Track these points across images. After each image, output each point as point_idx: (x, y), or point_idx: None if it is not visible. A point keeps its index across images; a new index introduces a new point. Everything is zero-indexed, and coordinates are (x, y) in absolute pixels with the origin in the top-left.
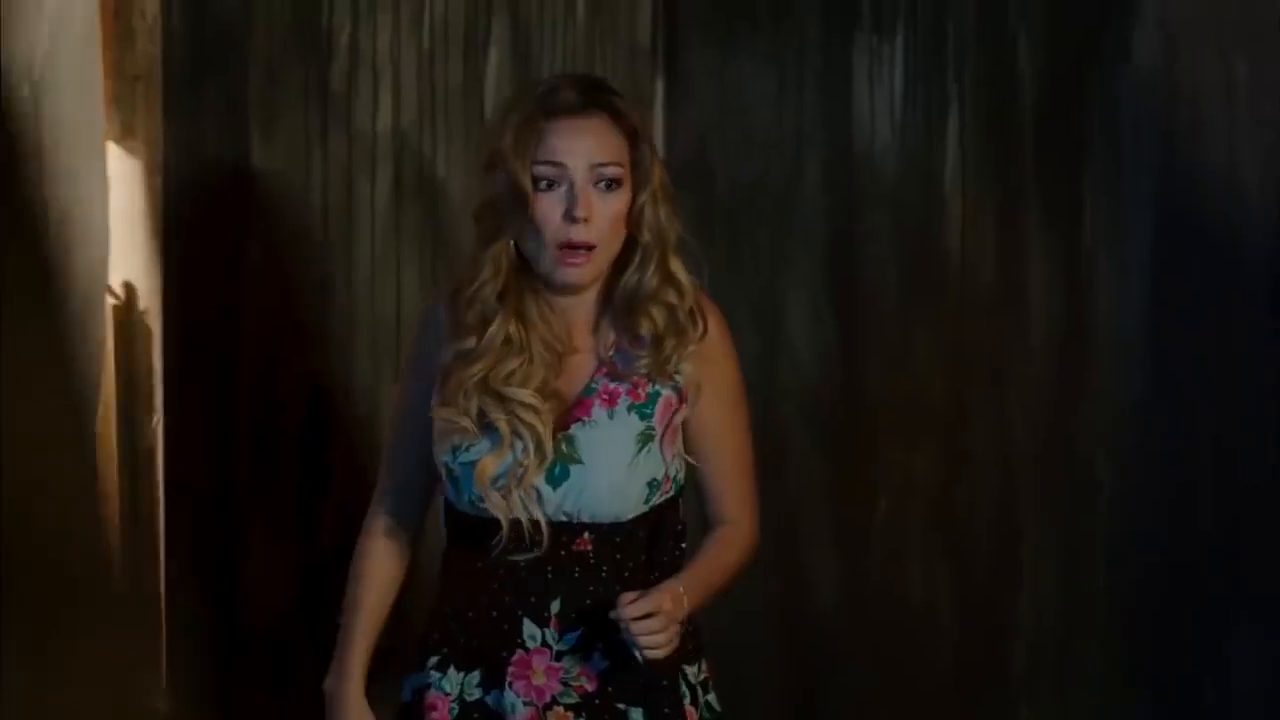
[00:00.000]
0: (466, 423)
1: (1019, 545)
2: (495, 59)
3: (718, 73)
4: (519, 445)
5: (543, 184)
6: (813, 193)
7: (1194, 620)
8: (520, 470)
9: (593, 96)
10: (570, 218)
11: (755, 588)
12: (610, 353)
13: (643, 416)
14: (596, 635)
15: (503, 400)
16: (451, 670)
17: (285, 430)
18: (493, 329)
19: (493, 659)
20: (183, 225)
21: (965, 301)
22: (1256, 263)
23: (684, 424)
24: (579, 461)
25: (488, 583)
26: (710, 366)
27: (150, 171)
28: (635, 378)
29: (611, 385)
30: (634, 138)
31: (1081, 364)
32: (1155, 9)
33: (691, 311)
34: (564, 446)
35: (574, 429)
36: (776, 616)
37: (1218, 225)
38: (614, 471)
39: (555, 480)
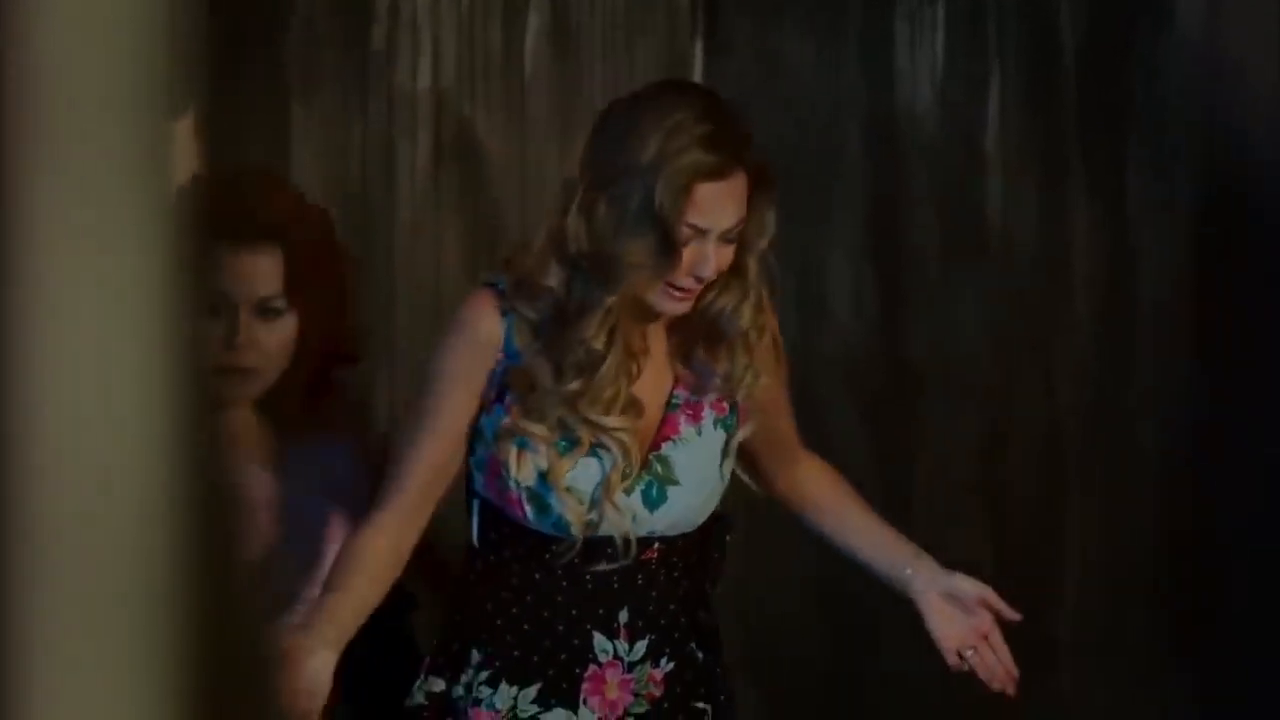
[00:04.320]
0: (542, 430)
1: (1063, 514)
2: (535, 23)
3: (758, 36)
4: (605, 457)
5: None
6: (853, 157)
7: (1242, 592)
8: (607, 485)
9: (738, 155)
10: (699, 278)
11: (791, 556)
12: (687, 367)
13: (726, 429)
14: (663, 640)
15: (589, 423)
16: (502, 685)
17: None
18: (602, 371)
19: (558, 674)
20: None
21: (1007, 266)
22: None
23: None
24: (676, 483)
25: (550, 595)
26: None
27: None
28: (714, 390)
29: (693, 399)
30: (765, 192)
31: (1126, 330)
32: None
33: (774, 342)
34: (659, 468)
35: (665, 449)
36: (815, 587)
37: (1263, 191)
38: (706, 489)
39: (653, 503)
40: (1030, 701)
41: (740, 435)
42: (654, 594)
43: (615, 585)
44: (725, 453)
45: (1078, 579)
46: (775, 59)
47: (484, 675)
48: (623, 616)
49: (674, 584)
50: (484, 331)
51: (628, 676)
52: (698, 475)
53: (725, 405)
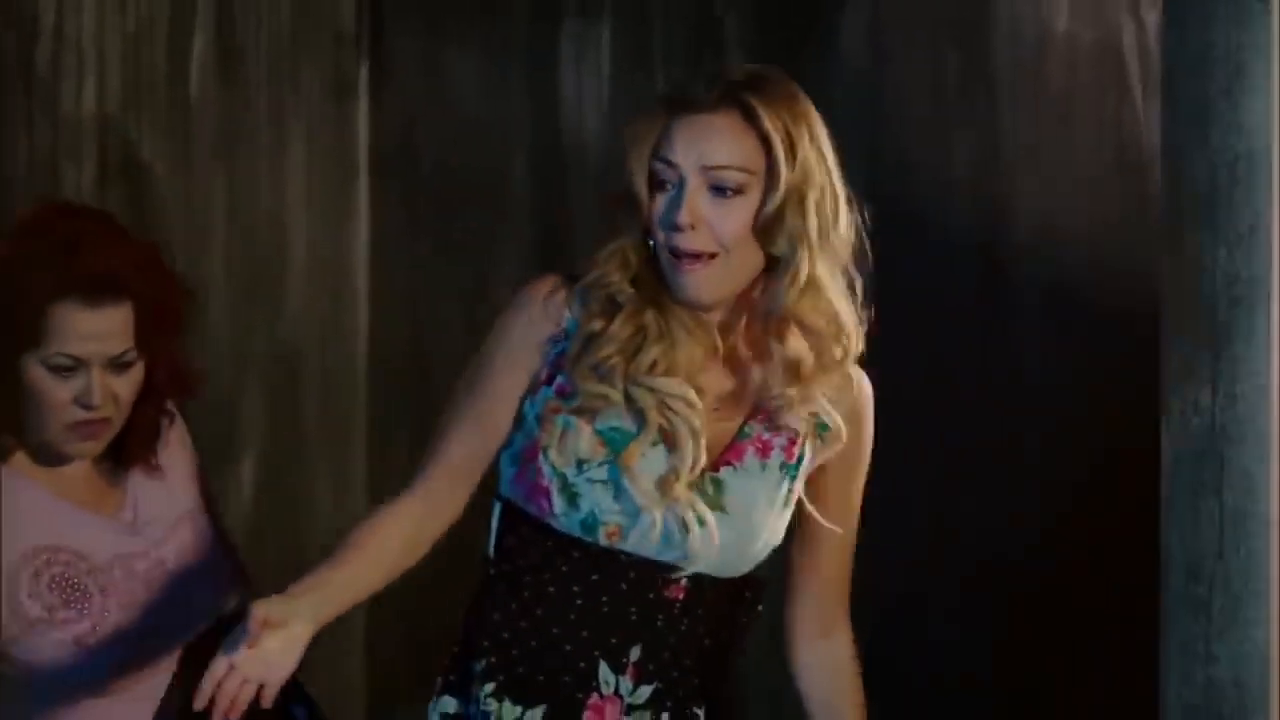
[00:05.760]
0: (616, 395)
1: None
2: (200, 44)
3: (424, 59)
4: (672, 453)
5: (659, 183)
6: (521, 180)
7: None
8: (675, 474)
9: (730, 91)
10: (672, 223)
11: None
12: (760, 395)
13: (791, 478)
14: (669, 692)
15: (651, 390)
16: (507, 702)
17: None
18: (624, 312)
19: (563, 699)
20: None
21: None
22: (967, 252)
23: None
24: (723, 510)
25: (563, 612)
26: (856, 436)
27: None
28: (789, 433)
29: (765, 435)
30: (768, 140)
31: None
32: None
33: (840, 336)
34: (710, 489)
35: (724, 472)
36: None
37: (929, 215)
38: (753, 529)
39: (698, 520)
40: None
41: (800, 484)
42: (672, 640)
43: (632, 617)
44: (785, 502)
45: None
46: (441, 82)
47: (489, 688)
48: (634, 653)
49: (695, 638)
50: (550, 306)
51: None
52: (748, 511)
53: (795, 452)
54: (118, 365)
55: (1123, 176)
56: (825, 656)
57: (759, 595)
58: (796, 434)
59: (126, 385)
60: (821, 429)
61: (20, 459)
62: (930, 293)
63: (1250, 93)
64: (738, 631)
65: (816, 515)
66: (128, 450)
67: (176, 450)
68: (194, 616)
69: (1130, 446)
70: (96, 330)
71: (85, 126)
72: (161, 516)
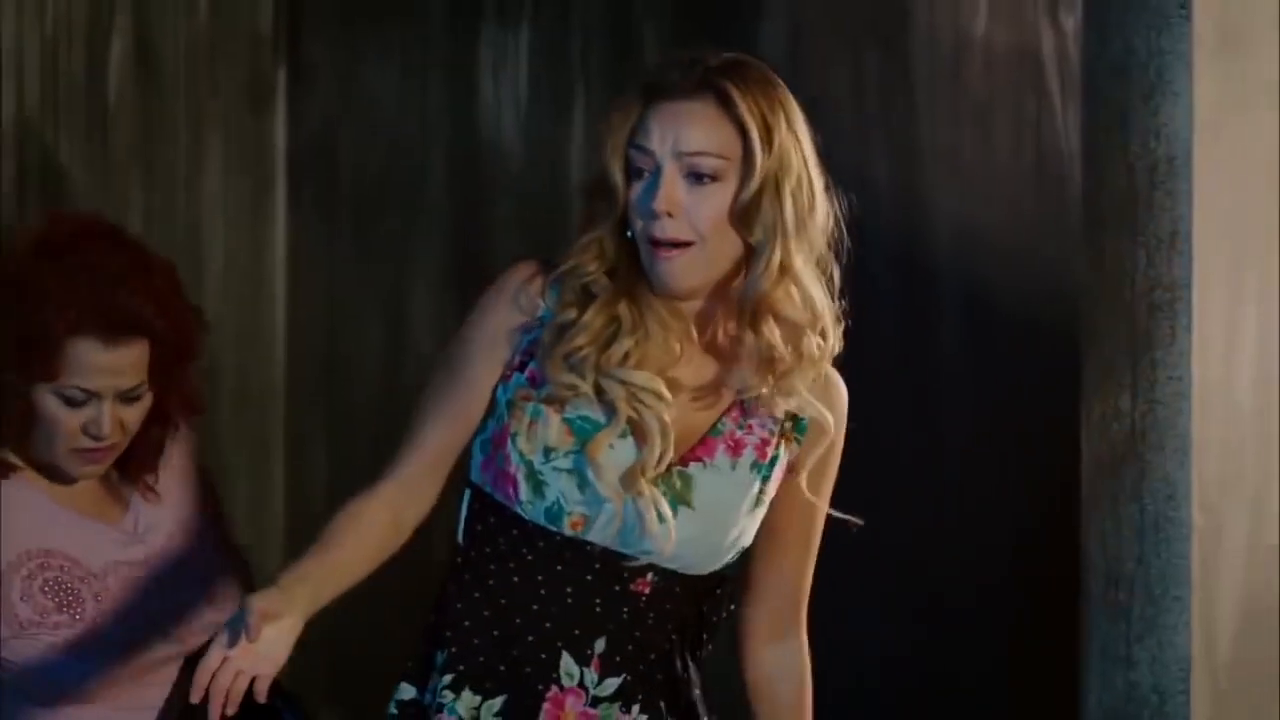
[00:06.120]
0: (586, 386)
1: None
2: (118, 49)
3: (341, 64)
4: (642, 446)
5: (635, 172)
6: (439, 185)
7: None
8: (642, 467)
9: (706, 77)
10: (648, 211)
11: None
12: (737, 389)
13: (763, 479)
14: (637, 685)
15: (622, 382)
16: (466, 692)
17: None
18: (598, 303)
19: (524, 690)
20: None
21: None
22: (888, 256)
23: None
24: (689, 506)
25: (526, 602)
26: (829, 447)
27: None
28: (763, 432)
29: (739, 434)
30: (744, 126)
31: None
32: (784, 1)
33: (823, 332)
34: (677, 483)
35: (693, 468)
36: None
37: (848, 220)
38: (722, 527)
39: (659, 517)
40: None
41: (773, 490)
42: (638, 634)
43: (597, 609)
44: (756, 502)
45: None
46: (359, 86)
47: (447, 679)
48: (599, 645)
49: (663, 632)
50: (525, 294)
51: (590, 711)
52: (716, 508)
53: (768, 452)
54: (129, 398)
55: (1042, 182)
56: (779, 659)
57: (730, 593)
58: (771, 433)
59: (135, 413)
60: (798, 430)
61: (24, 468)
62: (849, 296)
63: (1170, 98)
64: (708, 628)
65: (813, 495)
66: (131, 466)
67: (179, 461)
68: (190, 628)
69: (1050, 452)
70: (112, 366)
71: (3, 130)
72: (163, 526)
